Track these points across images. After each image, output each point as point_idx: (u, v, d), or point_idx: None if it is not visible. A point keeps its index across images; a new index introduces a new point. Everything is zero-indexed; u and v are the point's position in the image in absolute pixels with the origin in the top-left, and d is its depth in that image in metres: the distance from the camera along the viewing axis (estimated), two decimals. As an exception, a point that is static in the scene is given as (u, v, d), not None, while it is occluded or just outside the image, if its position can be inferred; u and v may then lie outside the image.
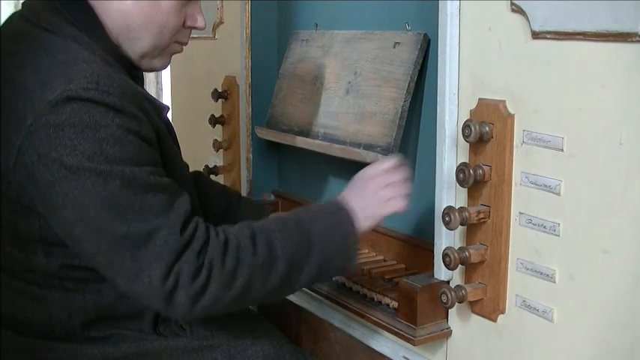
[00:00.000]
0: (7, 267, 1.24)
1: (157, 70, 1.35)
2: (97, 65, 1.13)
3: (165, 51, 1.29)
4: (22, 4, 1.25)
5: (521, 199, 1.17)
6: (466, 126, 1.19)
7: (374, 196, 1.29)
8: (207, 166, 2.07)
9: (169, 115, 1.34)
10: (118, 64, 1.21)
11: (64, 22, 1.18)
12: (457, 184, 1.23)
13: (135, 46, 1.24)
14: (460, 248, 1.22)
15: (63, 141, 1.07)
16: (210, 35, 2.10)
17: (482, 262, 1.23)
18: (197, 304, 1.12)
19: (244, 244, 1.16)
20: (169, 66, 1.37)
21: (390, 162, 1.33)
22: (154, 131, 1.18)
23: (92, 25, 1.20)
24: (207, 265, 1.12)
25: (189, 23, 1.28)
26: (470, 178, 1.20)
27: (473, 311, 1.27)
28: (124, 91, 1.13)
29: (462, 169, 1.20)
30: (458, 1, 1.23)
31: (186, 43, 1.32)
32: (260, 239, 1.18)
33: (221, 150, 2.08)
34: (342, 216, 1.27)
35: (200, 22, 1.30)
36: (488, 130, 1.19)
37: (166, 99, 2.74)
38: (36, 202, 1.13)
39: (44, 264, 1.21)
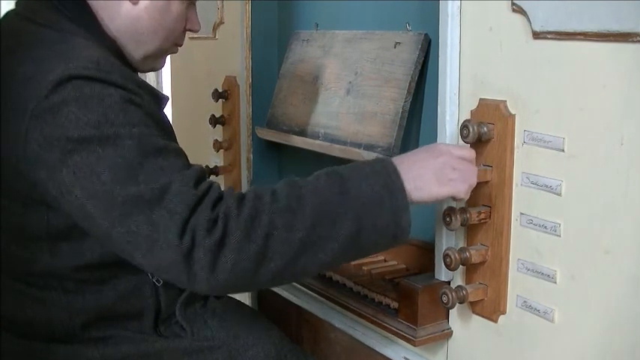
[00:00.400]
0: (8, 268, 1.23)
1: (155, 70, 1.39)
2: (97, 51, 1.14)
3: (165, 53, 1.35)
4: (16, 3, 1.25)
5: (522, 200, 1.17)
6: (464, 127, 1.19)
7: (436, 170, 1.14)
8: (207, 166, 2.06)
9: (169, 116, 1.34)
10: (115, 57, 1.21)
11: (62, 19, 1.19)
12: (458, 185, 1.23)
13: (140, 50, 1.27)
14: (461, 249, 1.22)
15: (68, 116, 1.05)
16: (211, 35, 2.09)
17: (483, 263, 1.23)
18: (218, 262, 1.03)
19: (262, 194, 1.09)
20: (169, 66, 1.39)
21: (465, 150, 1.18)
22: (156, 117, 1.17)
23: (90, 22, 1.21)
24: (222, 217, 1.04)
25: (188, 26, 1.33)
26: (471, 179, 1.20)
27: (474, 312, 1.27)
28: (124, 73, 1.14)
29: (462, 169, 1.20)
30: (458, 1, 1.23)
31: (182, 45, 1.37)
32: (280, 188, 1.10)
33: (221, 150, 2.08)
34: (384, 170, 1.12)
35: (198, 25, 1.35)
36: (486, 131, 1.18)
37: (167, 99, 2.74)
38: (47, 187, 1.09)
39: (48, 263, 1.20)
